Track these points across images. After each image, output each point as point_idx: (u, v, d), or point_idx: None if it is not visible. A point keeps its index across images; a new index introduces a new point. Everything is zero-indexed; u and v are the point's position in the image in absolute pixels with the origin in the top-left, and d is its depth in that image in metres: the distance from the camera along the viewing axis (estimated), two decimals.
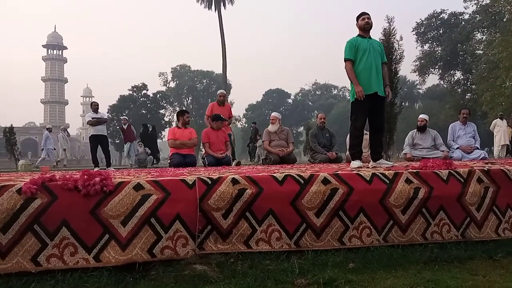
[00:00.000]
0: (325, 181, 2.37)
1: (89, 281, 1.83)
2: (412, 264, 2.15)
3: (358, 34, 4.13)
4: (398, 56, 10.70)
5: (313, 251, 2.23)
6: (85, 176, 2.03)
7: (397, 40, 10.75)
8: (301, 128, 56.67)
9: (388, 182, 2.49)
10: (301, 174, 2.41)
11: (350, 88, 4.09)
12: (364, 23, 4.08)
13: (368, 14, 4.16)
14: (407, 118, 30.15)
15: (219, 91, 8.44)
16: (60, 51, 71.62)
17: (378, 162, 4.01)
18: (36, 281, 1.83)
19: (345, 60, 4.00)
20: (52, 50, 70.71)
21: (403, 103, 11.42)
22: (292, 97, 61.82)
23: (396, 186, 2.48)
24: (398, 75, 10.78)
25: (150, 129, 14.94)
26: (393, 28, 10.76)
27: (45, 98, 69.59)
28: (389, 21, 10.79)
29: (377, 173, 2.54)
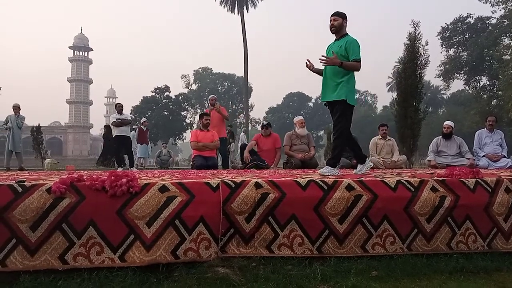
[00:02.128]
0: (349, 188, 2.35)
1: (114, 280, 1.86)
2: (437, 274, 2.11)
3: None
4: (423, 61, 10.52)
5: (336, 257, 2.22)
6: (112, 177, 2.07)
7: (422, 45, 10.59)
8: (321, 132, 56.32)
9: (413, 190, 2.45)
10: (325, 180, 2.39)
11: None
12: (330, 25, 3.89)
13: (336, 15, 3.89)
14: (430, 124, 29.63)
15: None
16: (86, 53, 73.10)
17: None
18: (63, 279, 1.88)
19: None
20: (78, 52, 72.23)
21: (427, 109, 11.21)
22: (313, 100, 61.48)
23: (422, 194, 2.44)
24: (423, 81, 10.59)
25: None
26: (419, 33, 10.61)
27: (70, 99, 71.03)
28: (415, 25, 10.65)
29: (402, 181, 2.51)
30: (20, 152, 9.99)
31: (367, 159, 4.19)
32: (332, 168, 3.62)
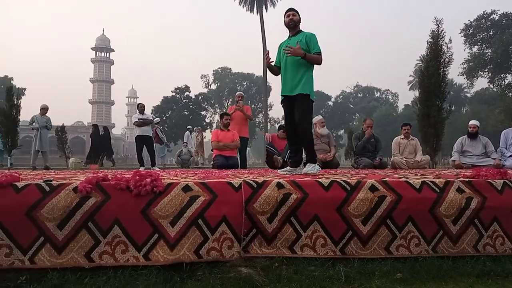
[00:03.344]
0: (373, 188, 2.32)
1: (139, 278, 1.89)
2: (464, 277, 2.07)
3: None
4: (446, 59, 10.29)
5: (359, 259, 2.19)
6: (137, 177, 2.10)
7: (445, 43, 10.36)
8: (342, 131, 55.89)
9: (438, 191, 2.41)
10: (348, 181, 2.37)
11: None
12: (288, 20, 3.88)
13: (294, 11, 3.92)
14: (453, 123, 29.03)
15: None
16: (108, 54, 74.47)
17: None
18: (89, 276, 1.91)
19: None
20: (100, 53, 73.63)
21: (450, 107, 10.96)
22: (332, 99, 61.03)
23: (447, 195, 2.39)
24: (446, 79, 10.37)
25: (102, 131, 15.01)
26: (442, 30, 10.39)
27: (92, 99, 72.54)
28: (438, 23, 10.42)
29: (427, 181, 2.46)
30: (47, 152, 10.25)
31: (301, 165, 4.07)
32: (314, 165, 3.67)
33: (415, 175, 3.36)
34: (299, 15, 3.93)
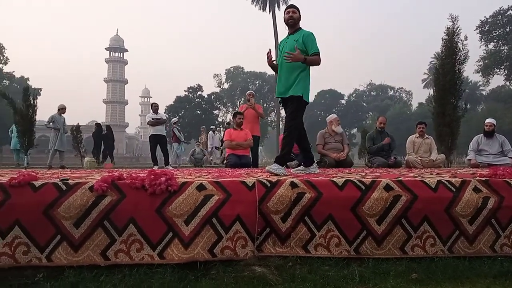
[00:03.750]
0: (388, 188, 2.30)
1: (154, 277, 1.90)
2: (481, 278, 2.04)
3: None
4: (462, 57, 10.12)
5: (374, 259, 2.18)
6: (152, 176, 2.12)
7: (461, 40, 10.18)
8: (355, 130, 55.51)
9: (454, 190, 2.37)
10: (362, 180, 2.35)
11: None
12: (287, 17, 3.74)
13: (294, 8, 3.76)
14: (468, 121, 28.59)
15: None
16: (121, 54, 75.10)
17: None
18: (105, 274, 1.93)
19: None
20: (114, 53, 74.31)
21: (466, 106, 10.78)
22: (345, 98, 60.64)
23: (463, 195, 2.35)
24: (461, 77, 10.20)
25: (105, 130, 15.13)
26: (457, 27, 10.21)
27: (107, 98, 73.24)
28: (453, 20, 10.25)
29: (443, 181, 2.43)
30: (64, 151, 10.44)
31: (314, 164, 4.02)
32: (280, 166, 3.50)
33: (431, 174, 3.32)
34: (299, 12, 3.80)
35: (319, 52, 3.66)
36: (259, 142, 9.04)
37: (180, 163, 13.52)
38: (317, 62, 3.69)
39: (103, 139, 14.72)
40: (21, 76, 44.49)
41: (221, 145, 14.20)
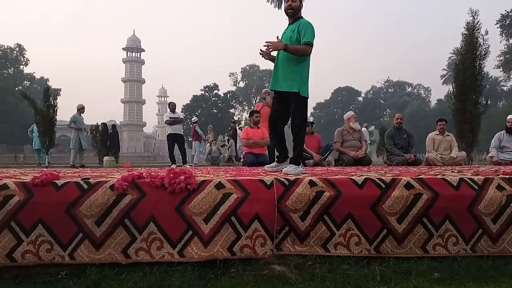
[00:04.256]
0: (408, 186, 2.26)
1: (174, 275, 1.92)
2: (505, 278, 1.99)
3: None
4: (482, 52, 9.92)
5: (395, 258, 2.15)
6: (171, 174, 2.13)
7: (481, 35, 9.98)
8: (372, 127, 54.98)
9: (477, 188, 2.32)
10: (382, 178, 2.32)
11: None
12: (287, 6, 3.53)
13: None
14: (489, 118, 28.00)
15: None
16: (138, 54, 75.92)
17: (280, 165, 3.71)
18: (126, 272, 1.96)
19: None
20: (131, 53, 75.16)
21: (486, 102, 10.56)
22: (362, 95, 60.08)
23: (486, 193, 2.30)
24: (482, 72, 10.00)
25: (111, 129, 15.47)
26: (478, 22, 10.01)
27: (124, 98, 74.19)
28: (473, 14, 10.05)
29: (465, 178, 2.38)
30: (85, 150, 10.70)
31: (288, 159, 3.78)
32: (296, 166, 3.39)
33: (452, 172, 3.26)
34: (300, 1, 3.61)
35: (310, 43, 3.46)
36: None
37: (197, 162, 13.62)
38: (305, 52, 3.47)
39: (109, 138, 15.15)
40: (41, 77, 45.48)
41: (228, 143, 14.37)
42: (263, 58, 3.74)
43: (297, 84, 3.47)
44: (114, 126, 16.10)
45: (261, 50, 3.63)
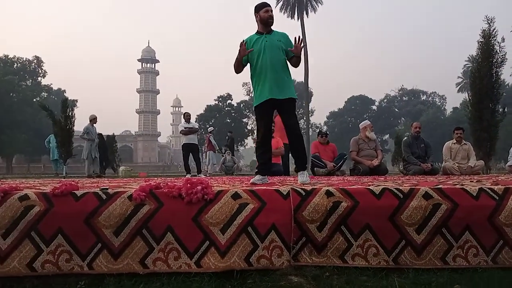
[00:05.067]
0: (427, 196, 2.23)
1: (191, 285, 1.91)
2: None
3: (257, 31, 3.66)
4: (499, 59, 9.81)
5: (414, 269, 2.11)
6: (188, 185, 2.15)
7: (498, 42, 9.88)
8: (387, 136, 54.52)
9: (497, 198, 2.28)
10: (400, 188, 2.30)
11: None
12: (268, 16, 3.57)
13: (270, 6, 3.63)
14: (506, 126, 27.55)
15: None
16: (153, 64, 76.89)
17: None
18: (144, 282, 1.96)
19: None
20: (146, 64, 76.17)
21: (504, 110, 10.41)
22: (376, 103, 59.70)
23: (507, 203, 2.26)
24: (499, 80, 9.88)
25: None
26: (494, 29, 9.92)
27: (139, 108, 75.05)
28: (489, 21, 9.96)
29: (485, 188, 2.34)
30: (97, 159, 10.86)
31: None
32: (307, 173, 3.54)
33: (471, 181, 3.21)
34: None
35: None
36: (289, 150, 8.98)
37: (211, 172, 13.66)
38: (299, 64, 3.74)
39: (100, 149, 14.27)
40: (58, 88, 46.35)
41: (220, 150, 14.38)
42: (243, 55, 3.61)
43: (293, 90, 3.66)
44: (100, 135, 14.45)
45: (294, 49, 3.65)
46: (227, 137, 15.84)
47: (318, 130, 7.72)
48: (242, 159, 79.38)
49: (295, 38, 3.61)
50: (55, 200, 2.10)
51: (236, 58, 3.58)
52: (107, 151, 15.23)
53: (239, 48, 3.52)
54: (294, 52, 3.60)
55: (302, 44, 3.60)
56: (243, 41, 3.55)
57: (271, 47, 3.55)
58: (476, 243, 2.20)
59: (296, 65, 3.71)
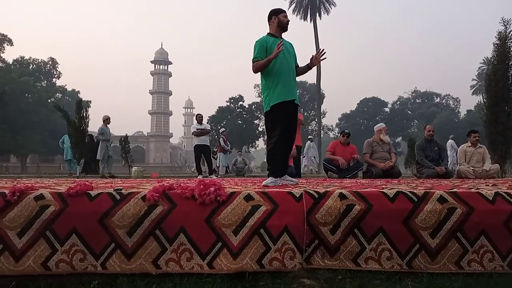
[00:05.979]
0: (442, 200, 2.21)
1: (204, 286, 1.92)
2: None
3: (269, 33, 3.70)
4: None
5: (428, 274, 2.09)
6: (201, 186, 2.15)
7: None
8: (399, 139, 54.02)
9: None
10: (414, 191, 2.27)
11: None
12: (287, 21, 3.69)
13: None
14: None
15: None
16: (166, 66, 77.42)
17: (283, 178, 3.71)
18: (157, 282, 1.97)
19: (253, 61, 3.57)
20: (158, 66, 76.73)
21: None
22: (389, 105, 59.20)
23: None
24: None
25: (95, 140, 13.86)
26: (510, 32, 9.77)
27: (152, 110, 75.61)
28: (505, 24, 9.82)
29: (501, 192, 2.30)
30: (111, 159, 11.00)
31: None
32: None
33: (486, 185, 3.16)
34: None
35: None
36: (301, 151, 8.96)
37: (222, 173, 13.69)
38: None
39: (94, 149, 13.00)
40: (73, 89, 46.92)
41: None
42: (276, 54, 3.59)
43: None
44: (89, 135, 13.93)
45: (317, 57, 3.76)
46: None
47: (342, 130, 7.63)
48: (253, 160, 79.40)
49: (318, 50, 3.73)
50: (70, 200, 2.13)
51: (269, 58, 3.53)
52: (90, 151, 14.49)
53: (275, 48, 3.48)
54: (313, 63, 3.74)
55: (323, 58, 3.72)
56: (281, 41, 3.55)
57: (287, 51, 3.66)
58: (491, 248, 2.16)
59: (302, 74, 3.90)
